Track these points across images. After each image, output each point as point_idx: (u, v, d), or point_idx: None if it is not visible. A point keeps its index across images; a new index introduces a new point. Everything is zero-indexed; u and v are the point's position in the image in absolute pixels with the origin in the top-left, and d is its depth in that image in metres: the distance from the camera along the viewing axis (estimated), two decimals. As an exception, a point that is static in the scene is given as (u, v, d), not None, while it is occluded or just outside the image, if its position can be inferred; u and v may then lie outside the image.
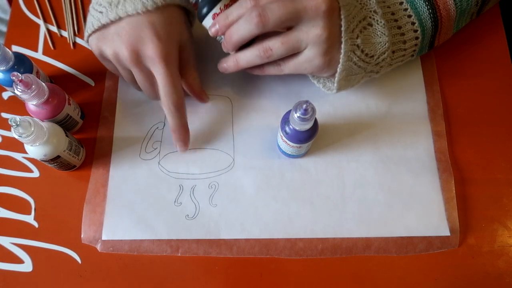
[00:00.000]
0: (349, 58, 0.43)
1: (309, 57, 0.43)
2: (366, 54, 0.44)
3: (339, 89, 0.46)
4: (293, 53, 0.43)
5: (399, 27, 0.45)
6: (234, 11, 0.42)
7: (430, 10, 0.45)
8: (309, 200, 0.49)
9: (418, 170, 0.50)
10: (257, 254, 0.47)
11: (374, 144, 0.51)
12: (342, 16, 0.41)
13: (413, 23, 0.45)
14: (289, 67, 0.45)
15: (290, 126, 0.44)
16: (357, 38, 0.43)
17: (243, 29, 0.41)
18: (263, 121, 0.52)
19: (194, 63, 0.49)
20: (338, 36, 0.42)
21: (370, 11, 0.43)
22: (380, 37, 0.43)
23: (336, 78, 0.45)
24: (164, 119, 0.52)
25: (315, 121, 0.44)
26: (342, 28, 0.42)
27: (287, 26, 0.42)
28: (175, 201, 0.49)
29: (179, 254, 0.47)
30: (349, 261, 0.47)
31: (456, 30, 0.50)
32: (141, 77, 0.45)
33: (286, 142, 0.46)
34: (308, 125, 0.42)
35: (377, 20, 0.43)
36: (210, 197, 0.49)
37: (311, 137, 0.45)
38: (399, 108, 0.52)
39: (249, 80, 0.54)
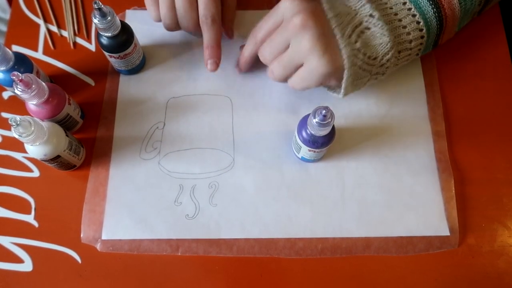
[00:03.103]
0: (353, 63, 0.44)
1: (309, 67, 0.44)
2: (369, 57, 0.45)
3: (346, 94, 0.47)
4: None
5: (404, 27, 0.45)
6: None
7: (435, 9, 0.45)
8: (309, 200, 0.49)
9: (418, 170, 0.50)
10: (257, 253, 0.47)
11: (374, 144, 0.51)
12: (333, 26, 0.43)
13: (418, 22, 0.45)
14: (296, 82, 0.46)
15: (308, 131, 0.44)
16: (355, 42, 0.44)
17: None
18: (263, 121, 0.52)
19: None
20: (333, 44, 0.43)
21: (366, 16, 0.44)
22: (380, 39, 0.44)
23: (343, 85, 0.45)
24: (164, 119, 0.52)
25: (333, 127, 0.44)
26: (337, 37, 0.43)
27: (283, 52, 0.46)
28: (175, 201, 0.49)
29: (179, 254, 0.47)
30: (349, 261, 0.47)
31: (458, 29, 0.51)
32: None
33: (306, 148, 0.45)
34: (325, 131, 0.43)
35: (374, 23, 0.44)
36: (210, 196, 0.49)
37: (327, 143, 0.44)
38: (399, 108, 0.52)
39: (249, 79, 0.54)
